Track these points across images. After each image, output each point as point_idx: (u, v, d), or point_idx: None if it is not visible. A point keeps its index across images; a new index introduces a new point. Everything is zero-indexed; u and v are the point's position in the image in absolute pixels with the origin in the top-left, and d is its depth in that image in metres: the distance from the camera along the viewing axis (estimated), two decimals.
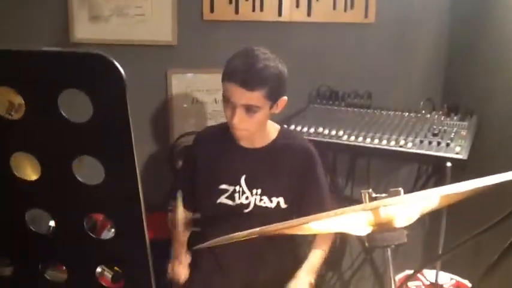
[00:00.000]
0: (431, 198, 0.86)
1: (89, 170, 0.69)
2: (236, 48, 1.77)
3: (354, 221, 0.87)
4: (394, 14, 2.61)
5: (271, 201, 1.82)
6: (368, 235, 0.88)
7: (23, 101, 0.66)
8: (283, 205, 1.82)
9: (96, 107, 0.62)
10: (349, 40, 2.62)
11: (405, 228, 0.89)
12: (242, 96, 1.65)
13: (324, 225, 0.90)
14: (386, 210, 0.83)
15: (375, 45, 2.64)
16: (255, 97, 1.66)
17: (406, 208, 0.86)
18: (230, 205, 1.83)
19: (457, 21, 2.62)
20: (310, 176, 1.86)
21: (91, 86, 0.61)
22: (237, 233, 0.87)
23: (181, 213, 1.81)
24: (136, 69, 2.38)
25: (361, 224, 0.87)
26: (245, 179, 1.82)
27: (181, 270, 1.84)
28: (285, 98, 1.78)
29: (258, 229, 0.84)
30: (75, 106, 0.67)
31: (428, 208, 0.92)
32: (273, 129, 1.89)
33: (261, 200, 1.82)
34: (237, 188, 1.82)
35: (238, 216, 1.81)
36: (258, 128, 1.77)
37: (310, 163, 1.86)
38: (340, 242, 2.65)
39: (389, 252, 0.88)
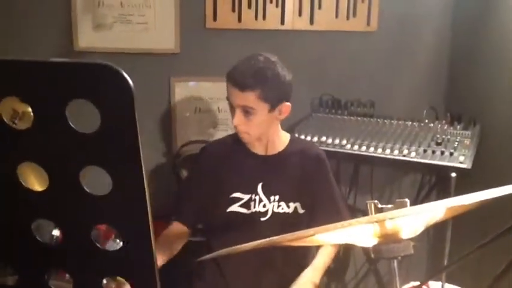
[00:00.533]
0: (437, 210, 0.86)
1: (96, 181, 0.69)
2: (239, 56, 1.77)
3: (359, 232, 0.86)
4: (396, 22, 2.61)
5: (288, 207, 1.83)
6: (374, 246, 0.87)
7: (27, 110, 0.66)
8: (300, 210, 1.84)
9: (104, 117, 0.62)
10: (352, 48, 2.63)
11: (411, 239, 0.89)
12: (237, 97, 1.70)
13: (329, 236, 0.89)
14: (392, 222, 0.83)
15: (377, 53, 2.64)
16: (249, 98, 1.68)
17: (412, 219, 0.86)
18: (244, 213, 1.82)
19: (460, 30, 2.63)
20: (322, 179, 1.89)
21: (99, 97, 0.61)
22: (243, 245, 0.87)
23: None
24: (139, 77, 2.36)
25: (367, 236, 0.86)
26: (262, 187, 1.83)
27: None
28: (288, 104, 1.78)
29: (264, 240, 0.84)
30: (83, 116, 0.67)
31: (434, 219, 0.91)
32: (284, 138, 1.91)
33: (279, 206, 1.83)
34: (253, 196, 1.82)
35: (253, 225, 1.81)
36: (260, 131, 1.78)
37: (322, 167, 1.89)
38: (344, 253, 2.64)
39: (395, 264, 0.88)
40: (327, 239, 0.94)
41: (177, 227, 1.89)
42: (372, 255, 0.87)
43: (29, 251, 0.76)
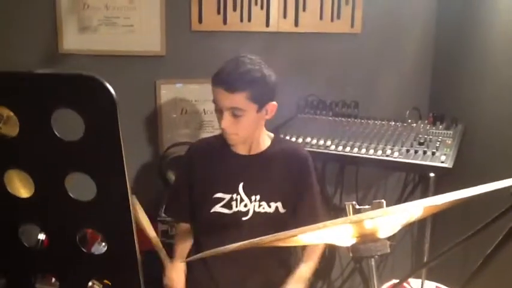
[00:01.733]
0: (413, 210, 0.89)
1: (81, 187, 0.71)
2: (224, 58, 1.79)
3: (338, 233, 0.89)
4: (380, 24, 2.65)
5: (269, 207, 1.84)
6: (352, 246, 0.90)
7: (11, 114, 0.67)
8: (281, 210, 1.85)
9: (88, 126, 0.64)
10: (336, 50, 2.66)
11: (393, 239, 0.92)
12: (226, 99, 1.71)
13: (309, 237, 0.92)
14: (370, 222, 0.86)
15: (361, 55, 2.68)
16: (238, 99, 1.70)
17: (389, 219, 0.89)
18: (226, 213, 1.84)
19: (443, 31, 2.67)
20: (305, 180, 1.90)
21: (83, 106, 0.63)
22: (227, 246, 0.89)
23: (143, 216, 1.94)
24: (125, 79, 2.39)
25: (345, 236, 0.89)
26: (243, 187, 1.84)
27: (177, 277, 1.88)
28: (274, 103, 1.80)
29: (247, 242, 0.86)
30: (68, 125, 0.69)
31: (411, 218, 0.94)
32: (267, 137, 1.93)
33: (260, 206, 1.84)
34: (234, 196, 1.84)
35: (236, 224, 1.83)
36: (249, 132, 1.80)
37: (304, 168, 1.90)
38: (330, 252, 2.67)
39: (373, 262, 0.91)
40: (308, 239, 0.97)
41: (184, 226, 2.00)
42: (350, 254, 0.90)
43: (16, 255, 0.78)
